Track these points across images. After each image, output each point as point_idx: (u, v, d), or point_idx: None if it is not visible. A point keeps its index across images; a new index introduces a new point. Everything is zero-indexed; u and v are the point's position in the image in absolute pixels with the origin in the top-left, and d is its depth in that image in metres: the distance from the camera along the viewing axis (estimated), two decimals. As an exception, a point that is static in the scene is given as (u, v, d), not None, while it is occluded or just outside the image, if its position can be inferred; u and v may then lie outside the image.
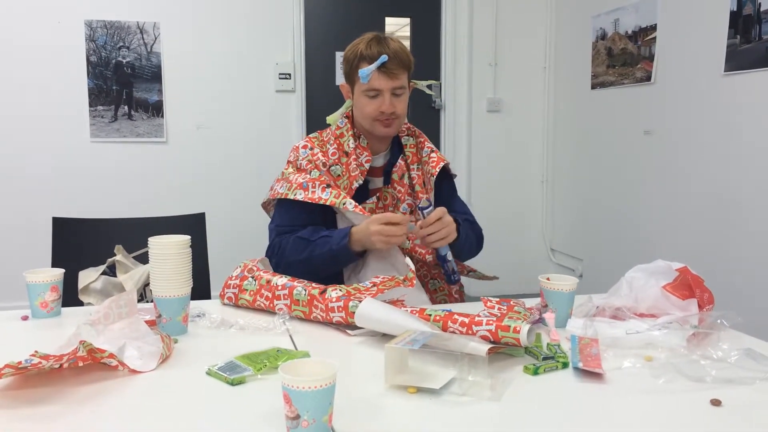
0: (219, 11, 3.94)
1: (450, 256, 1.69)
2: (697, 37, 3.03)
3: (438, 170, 1.79)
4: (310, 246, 1.68)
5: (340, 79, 1.94)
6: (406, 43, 4.44)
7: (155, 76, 3.88)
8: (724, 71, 2.85)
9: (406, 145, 1.85)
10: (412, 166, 1.82)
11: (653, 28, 3.33)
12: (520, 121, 4.41)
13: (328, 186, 1.70)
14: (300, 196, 1.71)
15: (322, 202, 1.69)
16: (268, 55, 4.02)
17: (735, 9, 2.77)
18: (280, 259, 1.71)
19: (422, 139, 1.86)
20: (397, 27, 5.58)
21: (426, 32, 4.35)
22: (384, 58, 1.68)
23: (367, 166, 1.77)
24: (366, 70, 1.69)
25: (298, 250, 1.69)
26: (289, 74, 4.04)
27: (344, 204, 1.67)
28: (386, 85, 1.71)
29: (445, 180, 1.89)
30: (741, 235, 2.81)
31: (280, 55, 4.04)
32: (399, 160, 1.82)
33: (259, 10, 3.99)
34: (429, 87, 1.97)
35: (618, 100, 3.67)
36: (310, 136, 1.84)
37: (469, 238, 1.78)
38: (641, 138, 3.46)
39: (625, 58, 3.57)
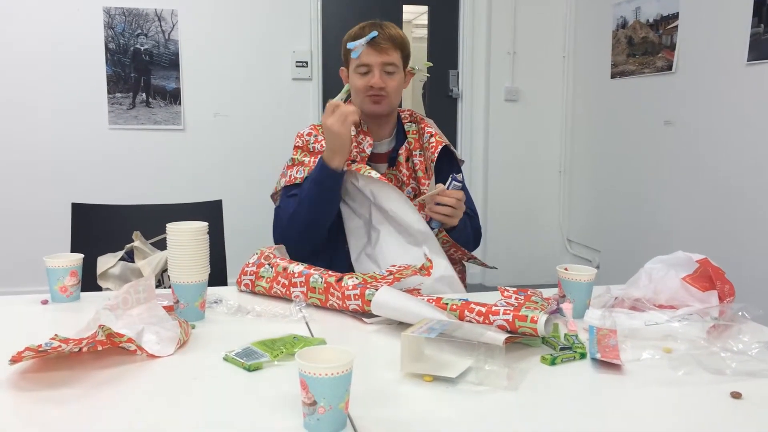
0: (236, -1, 3.94)
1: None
2: (719, 25, 2.98)
3: (437, 153, 1.77)
4: (298, 195, 1.71)
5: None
6: (423, 32, 4.43)
7: (173, 63, 3.89)
8: (748, 61, 2.80)
9: (409, 131, 1.84)
10: (414, 152, 1.82)
11: (675, 16, 3.28)
12: (538, 110, 4.38)
13: (353, 161, 1.71)
14: None
15: (347, 168, 1.69)
16: (285, 43, 4.02)
17: (760, -3, 2.72)
18: (283, 229, 1.72)
19: (423, 125, 1.85)
20: (415, 15, 5.54)
21: (444, 20, 4.32)
22: (374, 33, 1.70)
23: (368, 151, 1.77)
24: (355, 43, 1.71)
25: (290, 205, 1.71)
26: (306, 62, 4.03)
27: (369, 173, 1.68)
28: (376, 60, 1.72)
29: (453, 168, 1.88)
30: (763, 227, 2.77)
31: (297, 43, 4.03)
32: (404, 144, 1.82)
33: (277, -3, 3.99)
34: (428, 70, 1.97)
35: (638, 90, 3.63)
36: (314, 124, 1.85)
37: (467, 230, 1.79)
38: (661, 128, 3.42)
39: (646, 47, 3.52)
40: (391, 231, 1.70)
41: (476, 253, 1.89)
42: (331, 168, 1.65)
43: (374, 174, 1.68)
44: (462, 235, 1.76)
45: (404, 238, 1.70)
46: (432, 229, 1.69)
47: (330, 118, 1.61)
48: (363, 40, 1.70)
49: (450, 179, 1.66)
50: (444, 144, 1.79)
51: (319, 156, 1.71)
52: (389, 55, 1.73)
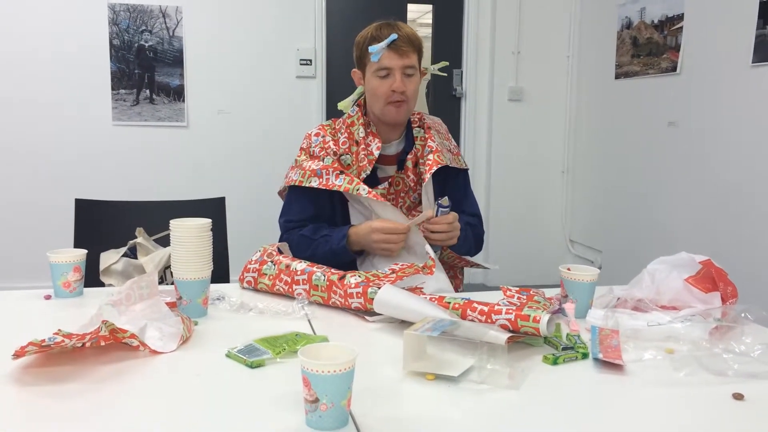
0: (241, -4, 3.94)
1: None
2: (724, 27, 2.98)
3: (430, 174, 1.74)
4: (312, 245, 1.72)
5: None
6: (428, 31, 4.43)
7: (177, 60, 3.89)
8: (752, 62, 2.80)
9: (417, 137, 1.84)
10: (420, 160, 1.81)
11: (680, 17, 3.28)
12: (542, 110, 4.37)
13: (342, 172, 1.71)
14: (315, 183, 1.72)
15: (336, 188, 1.70)
16: (290, 41, 4.02)
17: (765, -1, 2.72)
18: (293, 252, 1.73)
19: (428, 135, 1.83)
20: (419, 14, 5.54)
21: (448, 19, 4.31)
22: (394, 36, 1.69)
23: (376, 154, 1.76)
24: (377, 47, 1.70)
25: (302, 249, 1.72)
26: (310, 60, 4.03)
27: (357, 190, 1.68)
28: (397, 63, 1.71)
29: (459, 175, 1.88)
30: (766, 228, 2.77)
31: (302, 41, 4.03)
32: (413, 149, 1.81)
33: (281, -5, 3.99)
34: (441, 70, 1.96)
35: (642, 91, 3.62)
36: (323, 124, 1.84)
37: (467, 242, 1.79)
38: (665, 129, 3.41)
39: (650, 47, 3.52)
40: None
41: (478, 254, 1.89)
42: (350, 251, 1.70)
43: (363, 191, 1.68)
44: (463, 248, 1.77)
45: (404, 251, 1.71)
46: (435, 251, 1.70)
47: (378, 244, 1.65)
48: (384, 44, 1.69)
49: (437, 207, 1.67)
50: (440, 165, 1.76)
51: (334, 172, 1.72)
52: (409, 58, 1.72)
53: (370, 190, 1.69)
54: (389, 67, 1.71)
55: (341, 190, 1.69)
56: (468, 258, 1.80)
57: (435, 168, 1.74)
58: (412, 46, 1.72)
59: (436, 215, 1.66)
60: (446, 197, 1.69)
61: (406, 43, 1.71)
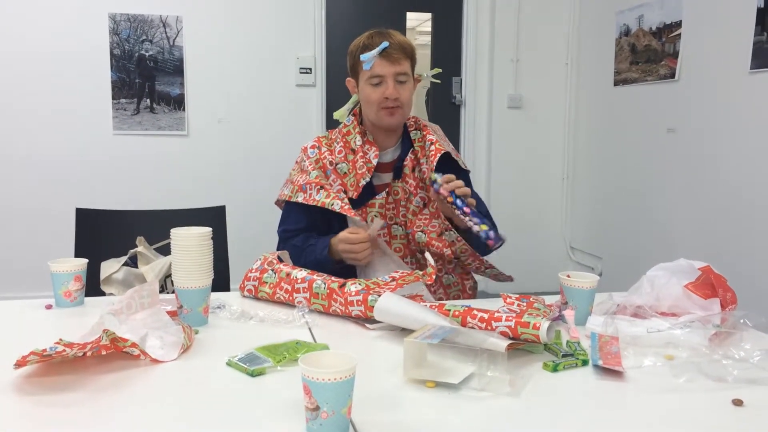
0: (241, 5, 3.96)
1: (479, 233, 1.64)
2: (722, 33, 2.99)
3: (436, 162, 1.74)
4: (302, 254, 1.76)
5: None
6: (427, 39, 4.45)
7: (177, 69, 3.91)
8: (750, 69, 2.81)
9: (415, 139, 1.85)
10: (421, 160, 1.82)
11: (678, 24, 3.29)
12: (541, 117, 4.38)
13: (322, 188, 1.75)
14: (300, 198, 1.77)
15: (315, 203, 1.74)
16: (289, 50, 4.03)
17: (762, 5, 2.73)
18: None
19: (425, 132, 1.85)
20: (419, 22, 5.56)
21: (448, 27, 4.33)
22: (385, 44, 1.71)
23: (374, 162, 1.78)
24: (368, 55, 1.71)
25: (294, 258, 1.74)
26: (310, 68, 4.05)
27: (332, 205, 1.71)
28: (389, 71, 1.72)
29: (460, 176, 1.88)
30: (765, 234, 2.77)
31: (301, 50, 4.05)
32: (409, 154, 1.82)
33: (281, 4, 4.00)
34: (436, 76, 1.97)
35: (641, 98, 3.63)
36: (319, 136, 1.87)
37: (489, 219, 1.76)
38: (664, 136, 3.42)
39: (648, 54, 3.53)
40: (376, 258, 1.75)
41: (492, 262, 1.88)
42: (333, 259, 1.72)
43: (336, 206, 1.71)
44: (477, 238, 1.75)
45: (388, 258, 1.73)
46: (486, 236, 1.60)
47: (344, 254, 1.68)
48: (375, 51, 1.70)
49: (434, 181, 1.62)
50: (443, 151, 1.77)
51: (316, 190, 1.75)
52: (401, 65, 1.73)
53: (343, 205, 1.72)
54: (381, 75, 1.73)
55: (319, 204, 1.73)
56: (483, 258, 1.79)
57: (439, 155, 1.75)
58: (403, 53, 1.73)
59: (437, 190, 1.61)
60: (433, 173, 1.65)
61: (397, 50, 1.72)
